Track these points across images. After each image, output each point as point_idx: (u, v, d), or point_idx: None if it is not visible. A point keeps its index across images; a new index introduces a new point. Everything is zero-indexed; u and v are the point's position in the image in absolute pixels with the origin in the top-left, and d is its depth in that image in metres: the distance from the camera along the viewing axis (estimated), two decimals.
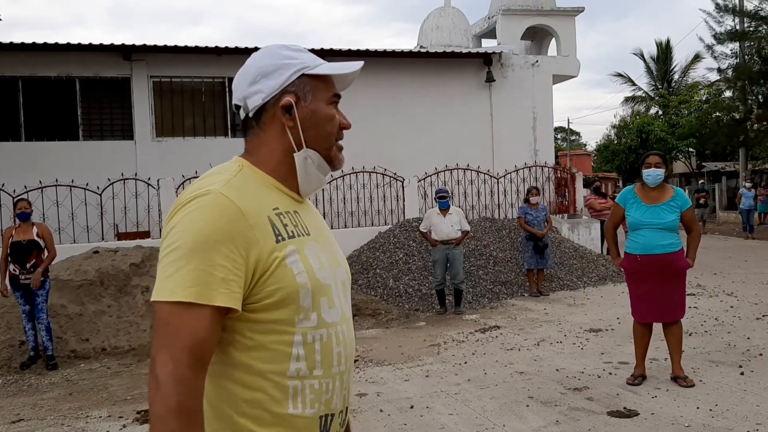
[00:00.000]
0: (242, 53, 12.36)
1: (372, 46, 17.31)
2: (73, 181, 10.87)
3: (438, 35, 16.28)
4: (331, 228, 12.21)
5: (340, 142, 1.52)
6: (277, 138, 1.45)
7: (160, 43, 12.25)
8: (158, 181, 11.06)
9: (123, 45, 12.14)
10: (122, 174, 11.38)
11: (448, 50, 14.69)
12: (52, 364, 7.23)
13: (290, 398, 1.35)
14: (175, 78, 12.84)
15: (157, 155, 12.52)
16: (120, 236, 11.35)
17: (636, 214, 5.47)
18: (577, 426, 4.59)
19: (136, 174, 11.65)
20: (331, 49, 13.00)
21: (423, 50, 15.01)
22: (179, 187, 11.24)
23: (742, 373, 5.60)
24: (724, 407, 4.78)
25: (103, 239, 10.88)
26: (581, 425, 4.60)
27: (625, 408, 4.89)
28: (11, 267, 7.18)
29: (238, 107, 1.48)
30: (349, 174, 12.46)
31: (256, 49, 10.02)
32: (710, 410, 4.73)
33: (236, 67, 1.54)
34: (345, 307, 1.51)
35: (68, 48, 11.94)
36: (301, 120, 1.44)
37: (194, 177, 11.41)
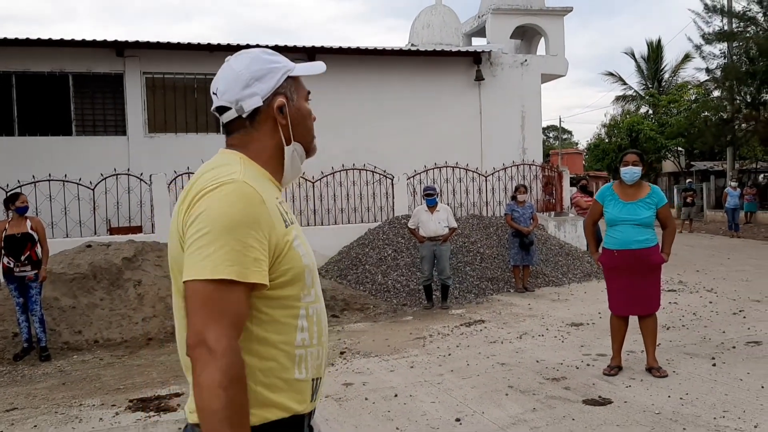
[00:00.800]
0: (234, 50, 12.36)
1: (363, 43, 17.41)
2: (66, 176, 10.99)
3: (429, 33, 16.46)
4: (321, 224, 12.43)
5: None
6: (270, 134, 1.62)
7: (153, 39, 12.40)
8: (150, 176, 11.19)
9: (116, 41, 12.28)
10: (115, 169, 11.52)
11: (439, 48, 14.86)
12: (45, 356, 7.38)
13: (296, 365, 1.53)
14: (167, 74, 12.97)
15: (150, 151, 12.65)
16: (112, 231, 11.50)
17: (614, 211, 5.67)
18: (553, 413, 4.78)
19: (128, 169, 11.79)
20: (323, 47, 13.15)
21: (413, 48, 15.19)
22: (171, 182, 11.38)
23: (714, 365, 5.81)
24: (694, 396, 4.99)
25: (95, 234, 11.01)
26: (557, 412, 4.79)
27: (599, 397, 5.09)
28: (5, 260, 7.32)
29: (223, 109, 1.61)
30: (339, 171, 12.64)
31: (248, 46, 10.20)
32: (680, 399, 4.94)
33: None
34: None
35: (62, 44, 12.06)
36: (291, 117, 1.62)
37: (186, 173, 11.57)
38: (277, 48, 12.57)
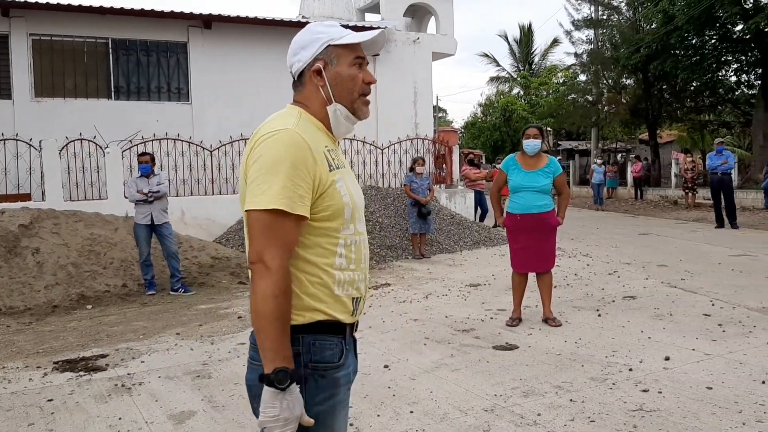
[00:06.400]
0: (127, 14, 12.11)
1: (246, 12, 17.12)
2: None
3: (320, 6, 16.57)
4: (220, 194, 12.45)
5: (367, 96, 1.96)
6: (315, 94, 1.93)
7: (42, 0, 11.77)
8: (40, 142, 10.75)
9: (2, 1, 11.57)
10: (2, 134, 10.96)
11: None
12: None
13: (335, 283, 1.85)
14: (56, 37, 12.37)
15: (37, 116, 12.05)
16: None
17: (517, 179, 6.30)
18: (469, 357, 5.35)
19: (17, 135, 11.24)
20: (220, 15, 12.97)
21: (305, 20, 15.30)
22: (63, 149, 10.99)
23: (599, 315, 6.64)
24: (586, 340, 5.73)
25: None
26: (472, 357, 5.37)
27: (507, 343, 5.73)
28: None
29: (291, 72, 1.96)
30: (238, 140, 12.66)
31: (142, 11, 10.31)
32: (575, 343, 5.66)
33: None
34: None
35: None
36: (329, 80, 1.91)
37: (79, 139, 11.23)
38: (172, 14, 12.34)
